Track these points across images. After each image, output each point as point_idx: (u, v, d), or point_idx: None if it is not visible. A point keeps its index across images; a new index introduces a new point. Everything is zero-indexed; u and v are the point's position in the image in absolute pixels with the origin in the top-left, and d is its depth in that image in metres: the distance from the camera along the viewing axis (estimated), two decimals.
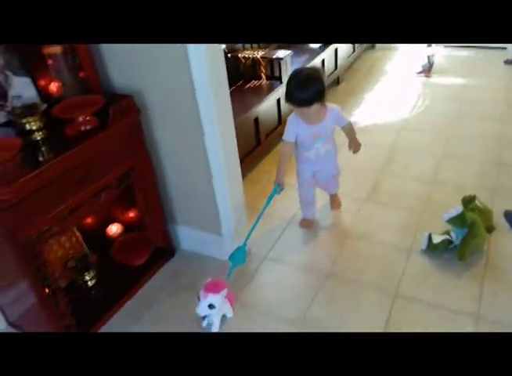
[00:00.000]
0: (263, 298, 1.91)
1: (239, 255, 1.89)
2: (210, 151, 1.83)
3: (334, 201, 2.34)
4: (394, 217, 2.24)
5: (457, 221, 1.89)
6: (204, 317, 1.75)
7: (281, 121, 2.86)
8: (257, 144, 2.71)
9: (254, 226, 1.93)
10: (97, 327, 1.84)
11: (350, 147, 2.10)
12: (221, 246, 2.07)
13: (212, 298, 1.68)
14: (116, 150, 1.72)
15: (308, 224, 2.25)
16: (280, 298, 1.89)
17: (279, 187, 1.98)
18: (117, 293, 1.96)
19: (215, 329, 1.74)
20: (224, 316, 1.79)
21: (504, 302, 1.73)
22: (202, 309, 1.70)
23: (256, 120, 2.62)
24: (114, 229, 2.20)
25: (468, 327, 1.65)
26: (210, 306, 1.69)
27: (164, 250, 2.15)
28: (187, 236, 2.17)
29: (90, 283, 1.99)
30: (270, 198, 1.96)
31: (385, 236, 2.12)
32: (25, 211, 1.44)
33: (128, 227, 2.22)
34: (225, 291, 1.72)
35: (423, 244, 1.98)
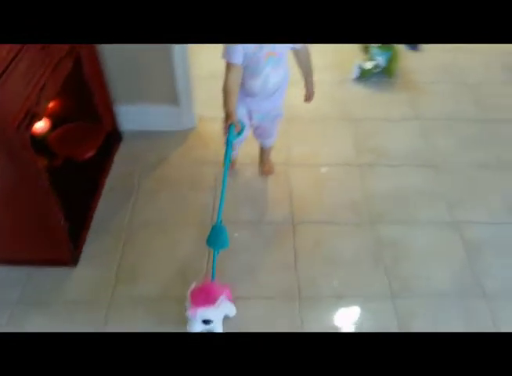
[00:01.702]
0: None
1: (220, 237, 1.31)
2: None
3: (266, 164, 1.82)
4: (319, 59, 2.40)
5: (385, 45, 2.19)
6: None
7: None
8: None
9: (222, 192, 1.32)
10: (89, 219, 1.64)
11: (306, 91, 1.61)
12: (179, 116, 1.96)
13: (205, 312, 1.24)
14: None
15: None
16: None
17: (233, 128, 1.38)
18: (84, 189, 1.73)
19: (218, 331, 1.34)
20: (226, 317, 1.36)
21: (427, 102, 2.15)
22: (196, 327, 1.26)
23: None
24: (41, 124, 1.83)
25: (411, 127, 2.01)
26: (206, 322, 1.26)
27: (113, 135, 1.91)
28: (134, 115, 1.95)
29: None
30: (229, 146, 1.35)
31: (320, 76, 2.28)
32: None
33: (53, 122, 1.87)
34: (221, 298, 1.26)
35: (355, 73, 2.23)
